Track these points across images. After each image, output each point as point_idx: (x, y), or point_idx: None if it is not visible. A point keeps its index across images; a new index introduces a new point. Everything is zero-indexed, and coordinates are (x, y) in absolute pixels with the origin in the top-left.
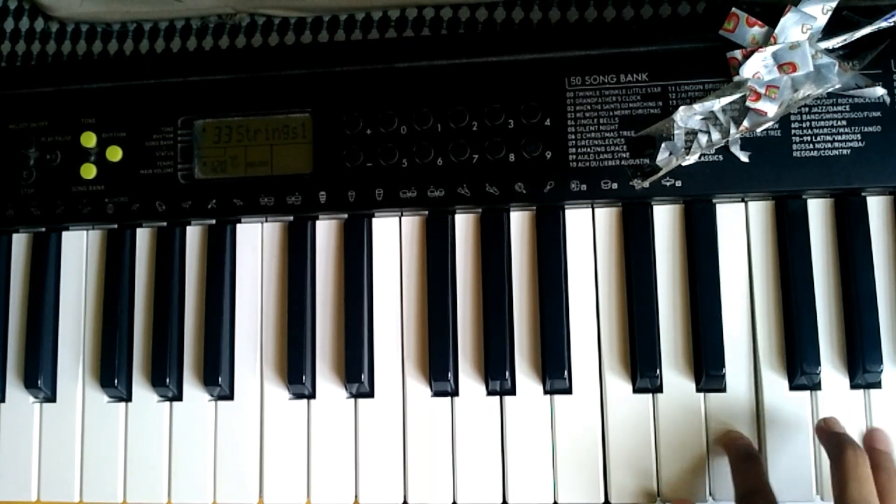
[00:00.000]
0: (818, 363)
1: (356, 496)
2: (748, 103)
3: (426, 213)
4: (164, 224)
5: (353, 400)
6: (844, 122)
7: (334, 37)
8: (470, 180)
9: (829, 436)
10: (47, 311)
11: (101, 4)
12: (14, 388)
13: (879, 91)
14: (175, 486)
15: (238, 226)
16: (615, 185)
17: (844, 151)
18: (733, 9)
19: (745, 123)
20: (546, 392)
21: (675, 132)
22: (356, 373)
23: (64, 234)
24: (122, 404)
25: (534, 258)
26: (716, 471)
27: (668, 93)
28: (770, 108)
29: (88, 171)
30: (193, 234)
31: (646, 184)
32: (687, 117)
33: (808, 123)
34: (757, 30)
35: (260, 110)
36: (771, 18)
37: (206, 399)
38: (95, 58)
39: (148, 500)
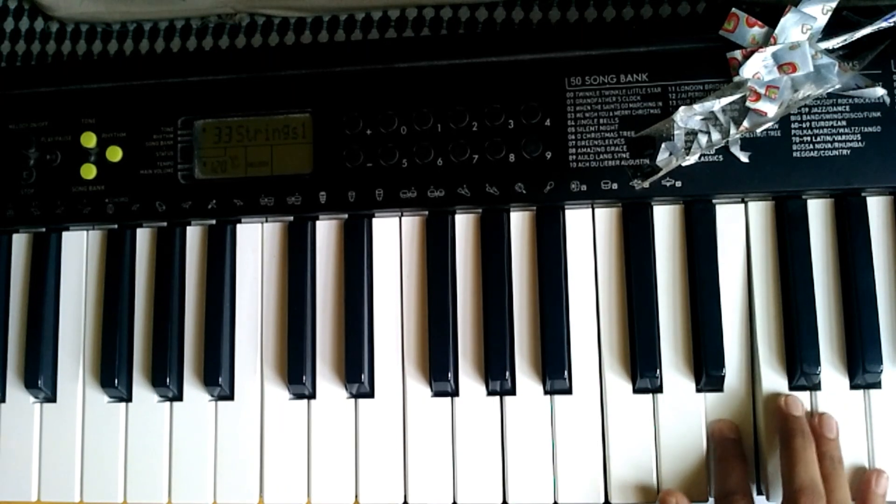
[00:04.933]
0: (818, 363)
1: (356, 496)
2: (748, 103)
3: (426, 213)
4: (165, 224)
5: (353, 400)
6: (844, 123)
7: (334, 37)
8: (470, 180)
9: (784, 419)
10: (47, 312)
11: (101, 4)
12: (14, 388)
13: (879, 91)
14: (175, 486)
15: (238, 226)
16: (615, 186)
17: (844, 151)
18: (733, 9)
19: (745, 124)
20: (546, 392)
21: (675, 132)
22: (356, 373)
23: (64, 234)
24: (123, 404)
25: (534, 258)
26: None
27: (668, 93)
28: (770, 109)
29: (88, 171)
30: (193, 235)
31: (646, 184)
32: (687, 117)
33: (808, 123)
34: (757, 30)
35: (260, 110)
36: (771, 19)
37: (207, 399)
38: (95, 58)
39: (148, 500)
